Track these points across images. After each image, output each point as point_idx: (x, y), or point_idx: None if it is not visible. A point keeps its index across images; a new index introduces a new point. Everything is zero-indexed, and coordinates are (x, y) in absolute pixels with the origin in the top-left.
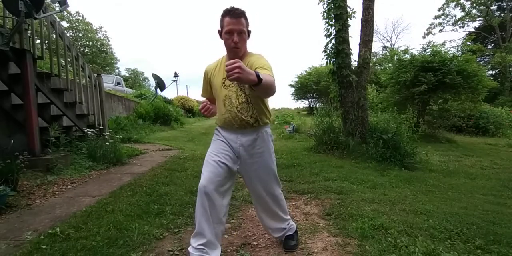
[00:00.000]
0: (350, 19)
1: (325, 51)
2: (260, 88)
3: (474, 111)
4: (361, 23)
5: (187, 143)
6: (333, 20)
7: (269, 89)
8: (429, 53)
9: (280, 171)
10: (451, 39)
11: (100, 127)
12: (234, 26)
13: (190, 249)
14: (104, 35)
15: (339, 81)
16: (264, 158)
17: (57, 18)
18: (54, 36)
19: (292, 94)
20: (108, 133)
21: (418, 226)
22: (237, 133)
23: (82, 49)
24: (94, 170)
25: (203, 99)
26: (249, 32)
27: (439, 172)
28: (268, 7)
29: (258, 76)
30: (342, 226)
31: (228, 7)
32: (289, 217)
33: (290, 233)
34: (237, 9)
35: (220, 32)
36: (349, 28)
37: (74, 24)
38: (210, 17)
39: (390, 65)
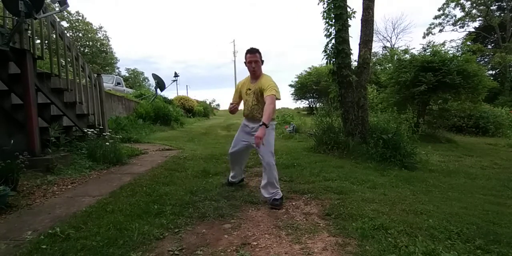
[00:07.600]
0: (350, 19)
1: (325, 51)
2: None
3: (474, 111)
4: (361, 23)
5: (187, 143)
6: (333, 20)
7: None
8: (429, 53)
9: (280, 171)
10: (451, 39)
11: (100, 127)
12: (252, 58)
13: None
14: (104, 35)
15: (339, 81)
16: (266, 136)
17: (57, 18)
18: (54, 36)
19: (292, 94)
20: (108, 133)
21: (418, 226)
22: (251, 122)
23: (82, 49)
24: (94, 170)
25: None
26: (262, 61)
27: (439, 172)
28: (269, 7)
29: (264, 124)
30: (342, 226)
31: (248, 47)
32: (278, 188)
33: (277, 197)
34: (254, 48)
35: (245, 63)
36: (349, 28)
37: (74, 24)
38: (211, 17)
39: (390, 65)
